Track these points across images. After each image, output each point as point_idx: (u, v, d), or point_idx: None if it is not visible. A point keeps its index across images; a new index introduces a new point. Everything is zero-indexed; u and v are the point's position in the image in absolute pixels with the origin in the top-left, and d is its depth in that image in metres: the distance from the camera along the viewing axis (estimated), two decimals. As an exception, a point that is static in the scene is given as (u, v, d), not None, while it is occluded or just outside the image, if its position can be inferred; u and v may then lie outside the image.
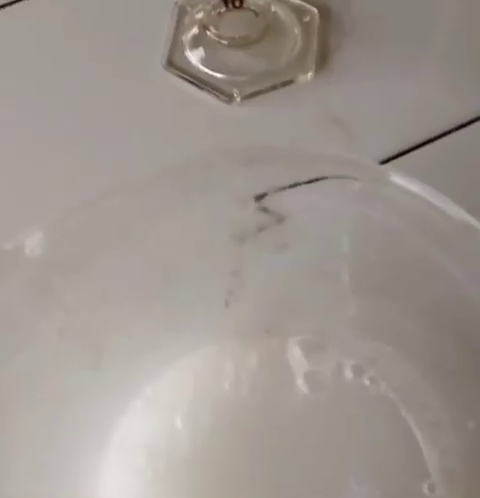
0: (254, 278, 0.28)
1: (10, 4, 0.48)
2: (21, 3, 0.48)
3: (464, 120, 0.42)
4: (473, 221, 0.23)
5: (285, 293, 0.29)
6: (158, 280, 0.27)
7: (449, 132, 0.42)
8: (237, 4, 0.44)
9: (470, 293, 0.24)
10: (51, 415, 0.26)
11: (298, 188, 0.24)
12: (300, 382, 0.31)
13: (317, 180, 0.24)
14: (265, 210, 0.25)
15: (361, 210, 0.25)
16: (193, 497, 0.29)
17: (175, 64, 0.46)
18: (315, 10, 0.47)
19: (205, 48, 0.46)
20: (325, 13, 0.47)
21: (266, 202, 0.25)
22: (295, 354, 0.31)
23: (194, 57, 0.46)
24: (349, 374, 0.31)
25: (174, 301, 0.28)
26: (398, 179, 0.23)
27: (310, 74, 0.45)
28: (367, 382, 0.31)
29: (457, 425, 0.27)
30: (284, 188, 0.25)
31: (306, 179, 0.23)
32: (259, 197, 0.25)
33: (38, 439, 0.25)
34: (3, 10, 0.48)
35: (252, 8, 0.45)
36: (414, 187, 0.23)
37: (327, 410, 0.30)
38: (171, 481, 0.29)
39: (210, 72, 0.45)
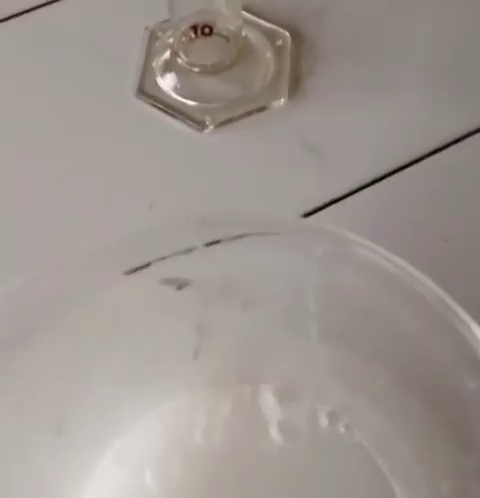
0: (221, 331, 0.28)
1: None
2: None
3: (438, 145, 0.42)
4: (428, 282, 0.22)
5: (254, 344, 0.28)
6: (120, 336, 0.26)
7: (421, 158, 0.41)
8: (207, 31, 0.43)
9: (432, 347, 0.24)
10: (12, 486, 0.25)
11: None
12: (274, 431, 0.30)
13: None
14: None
15: (325, 270, 0.24)
16: None
17: (146, 92, 0.45)
18: (287, 34, 0.46)
19: (177, 74, 0.45)
20: (297, 36, 0.46)
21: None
22: (268, 402, 0.31)
23: (165, 84, 0.45)
24: (324, 421, 0.30)
25: (139, 355, 0.28)
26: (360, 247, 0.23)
27: (283, 100, 0.44)
28: (342, 429, 0.30)
29: (431, 483, 0.26)
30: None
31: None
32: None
33: None
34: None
35: (223, 33, 0.45)
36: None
37: (302, 460, 0.30)
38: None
39: (182, 99, 0.44)
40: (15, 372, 0.24)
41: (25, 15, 0.48)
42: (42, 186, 0.41)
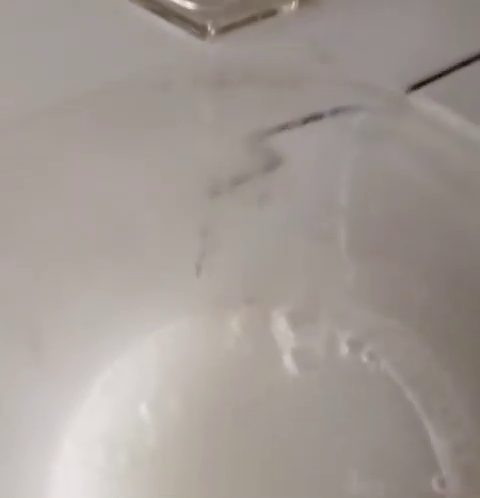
0: (230, 237, 0.23)
1: None
2: None
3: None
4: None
5: (268, 255, 0.24)
6: (108, 242, 0.22)
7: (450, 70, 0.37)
8: None
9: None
10: None
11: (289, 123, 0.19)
12: (288, 360, 0.26)
13: (314, 118, 0.19)
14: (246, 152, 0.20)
15: (364, 151, 0.20)
16: (163, 496, 0.25)
17: (140, -7, 0.40)
18: None
19: (174, -25, 0.40)
20: None
21: (246, 141, 0.20)
22: (281, 327, 0.27)
23: (162, -15, 0.40)
24: (344, 349, 0.26)
25: (132, 268, 0.23)
26: (421, 105, 0.19)
27: (294, 4, 0.39)
28: (365, 359, 0.26)
29: (476, 414, 0.23)
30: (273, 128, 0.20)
31: (298, 110, 0.18)
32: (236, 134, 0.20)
33: None
34: None
35: None
36: (439, 116, 0.18)
37: (318, 392, 0.26)
38: (136, 477, 0.25)
39: (180, 1, 0.40)
40: None
41: None
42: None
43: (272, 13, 0.39)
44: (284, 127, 0.21)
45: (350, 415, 0.25)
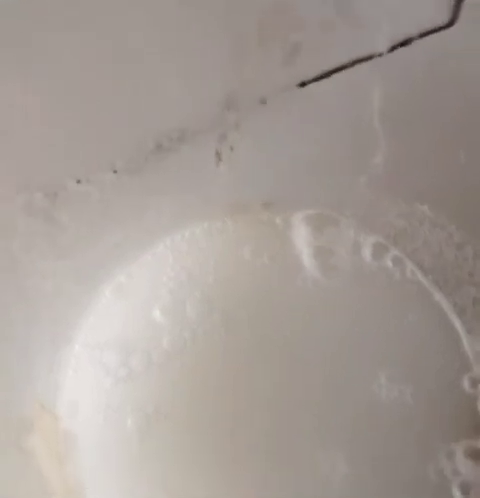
0: (254, 129, 0.22)
1: None
2: None
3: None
4: None
5: (292, 153, 0.23)
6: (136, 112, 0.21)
7: None
8: None
9: None
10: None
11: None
12: (309, 265, 0.25)
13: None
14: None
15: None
16: (178, 399, 0.23)
17: None
18: None
19: None
20: None
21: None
22: (302, 232, 0.26)
23: None
24: (367, 254, 0.25)
25: (159, 154, 0.22)
26: None
27: None
28: (390, 263, 0.25)
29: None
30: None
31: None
32: None
33: None
34: None
35: None
36: None
37: (345, 298, 0.25)
38: (150, 380, 0.24)
39: None
40: None
41: None
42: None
43: None
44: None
45: (377, 319, 0.24)
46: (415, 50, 0.21)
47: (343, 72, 0.21)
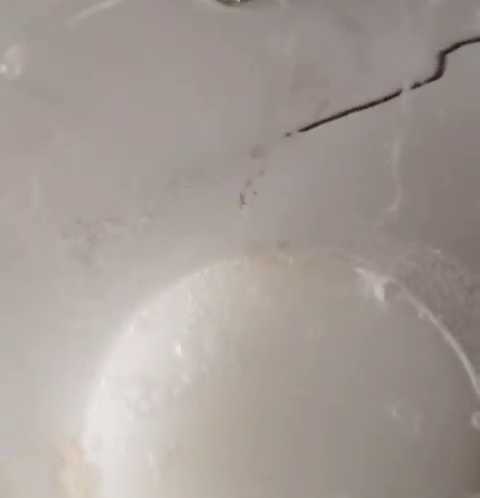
0: (277, 173, 0.23)
1: None
2: None
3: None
4: None
5: (312, 188, 0.24)
6: (164, 156, 0.22)
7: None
8: None
9: None
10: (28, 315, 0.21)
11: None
12: (321, 304, 0.26)
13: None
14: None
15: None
16: (197, 434, 0.24)
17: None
18: None
19: None
20: None
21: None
22: (314, 271, 0.27)
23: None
24: (380, 294, 0.26)
25: (183, 190, 0.23)
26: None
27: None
28: (401, 304, 0.26)
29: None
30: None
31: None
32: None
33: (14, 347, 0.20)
34: None
35: None
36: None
37: (357, 336, 0.26)
38: (171, 416, 0.24)
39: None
40: (49, 132, 0.19)
41: None
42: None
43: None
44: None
45: (387, 356, 0.25)
46: (433, 98, 0.22)
47: (364, 118, 0.22)
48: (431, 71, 0.23)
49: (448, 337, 0.25)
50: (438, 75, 0.23)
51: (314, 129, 0.22)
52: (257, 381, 0.25)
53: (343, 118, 0.22)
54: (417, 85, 0.23)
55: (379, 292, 0.26)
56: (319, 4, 0.22)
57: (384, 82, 0.22)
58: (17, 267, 0.21)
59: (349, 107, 0.22)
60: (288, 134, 0.22)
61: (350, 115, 0.22)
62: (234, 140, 0.22)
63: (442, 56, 0.23)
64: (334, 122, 0.22)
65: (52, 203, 0.21)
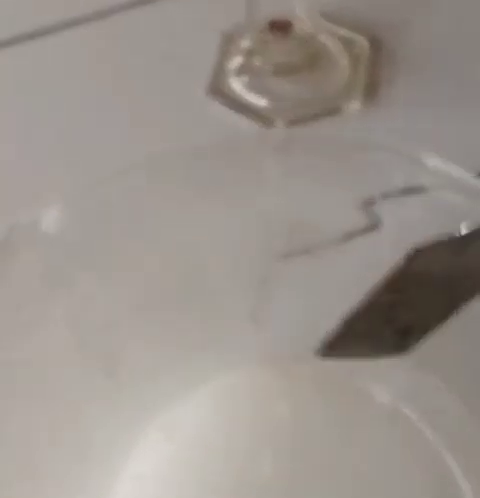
0: (285, 291, 0.26)
1: (52, 32, 0.47)
2: (66, 31, 0.47)
3: None
4: None
5: (323, 312, 0.26)
6: (179, 284, 0.25)
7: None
8: (283, 32, 0.43)
9: None
10: (53, 421, 0.23)
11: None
12: (332, 417, 0.28)
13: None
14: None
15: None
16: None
17: (218, 91, 0.44)
18: (365, 41, 0.45)
19: (250, 76, 0.44)
20: (375, 45, 0.45)
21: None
22: (329, 386, 0.28)
23: (238, 84, 0.44)
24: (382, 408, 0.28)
25: (198, 311, 0.26)
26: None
27: (357, 105, 0.43)
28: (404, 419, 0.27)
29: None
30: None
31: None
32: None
33: (35, 446, 0.23)
34: (43, 38, 0.47)
35: (299, 37, 0.44)
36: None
37: (355, 453, 0.27)
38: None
39: (254, 99, 0.44)
40: (80, 284, 0.22)
41: (107, 17, 0.48)
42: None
43: (336, 111, 0.43)
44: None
45: (386, 475, 0.26)
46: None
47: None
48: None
49: (450, 460, 0.26)
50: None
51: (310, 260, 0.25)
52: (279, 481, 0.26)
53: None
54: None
55: (386, 409, 0.28)
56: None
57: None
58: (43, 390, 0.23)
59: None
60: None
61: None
62: (242, 275, 0.25)
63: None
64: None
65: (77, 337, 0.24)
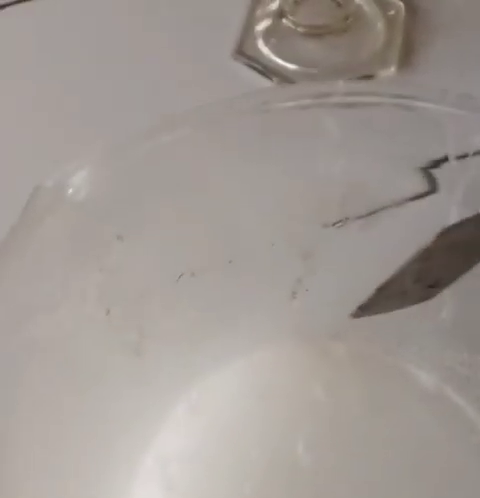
0: (330, 266, 0.24)
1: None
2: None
3: None
4: None
5: (364, 290, 0.24)
6: (218, 253, 0.23)
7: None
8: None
9: None
10: (76, 397, 0.22)
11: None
12: (371, 398, 0.26)
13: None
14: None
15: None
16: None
17: (245, 53, 0.42)
18: (401, 4, 0.43)
19: (279, 38, 0.42)
20: (411, 8, 0.43)
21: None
22: (363, 363, 0.27)
23: (266, 46, 0.42)
24: (430, 395, 0.26)
25: (234, 282, 0.24)
26: None
27: (392, 70, 0.41)
28: (450, 406, 0.26)
29: None
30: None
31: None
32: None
33: (61, 421, 0.21)
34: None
35: (334, -4, 0.42)
36: None
37: (406, 432, 0.26)
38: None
39: (282, 62, 0.42)
40: (108, 252, 0.21)
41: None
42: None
43: (370, 77, 0.41)
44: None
45: (430, 456, 0.25)
46: None
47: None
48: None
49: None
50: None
51: (362, 227, 0.23)
52: (306, 463, 0.25)
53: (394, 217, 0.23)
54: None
55: (429, 392, 0.26)
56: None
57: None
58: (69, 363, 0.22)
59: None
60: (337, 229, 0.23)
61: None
62: (286, 247, 0.23)
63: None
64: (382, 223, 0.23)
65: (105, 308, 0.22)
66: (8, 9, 0.43)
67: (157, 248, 0.22)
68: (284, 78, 0.41)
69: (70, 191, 0.20)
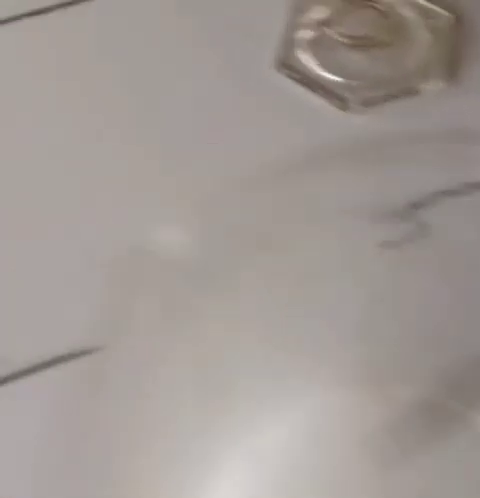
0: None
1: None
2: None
3: None
4: None
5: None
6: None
7: None
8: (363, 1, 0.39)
9: None
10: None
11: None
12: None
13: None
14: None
15: None
16: None
17: (286, 64, 0.41)
18: (447, 14, 0.42)
19: (321, 48, 0.41)
20: (458, 19, 0.42)
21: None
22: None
23: (308, 57, 0.41)
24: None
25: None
26: None
27: (439, 84, 0.40)
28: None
29: None
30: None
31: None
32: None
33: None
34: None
35: (379, 8, 0.41)
36: None
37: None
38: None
39: (325, 74, 0.41)
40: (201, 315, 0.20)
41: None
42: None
43: (415, 92, 0.40)
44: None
45: None
46: None
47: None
48: None
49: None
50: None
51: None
52: None
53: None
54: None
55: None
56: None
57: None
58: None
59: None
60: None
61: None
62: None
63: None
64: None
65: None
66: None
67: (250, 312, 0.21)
68: (328, 91, 0.40)
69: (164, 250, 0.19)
